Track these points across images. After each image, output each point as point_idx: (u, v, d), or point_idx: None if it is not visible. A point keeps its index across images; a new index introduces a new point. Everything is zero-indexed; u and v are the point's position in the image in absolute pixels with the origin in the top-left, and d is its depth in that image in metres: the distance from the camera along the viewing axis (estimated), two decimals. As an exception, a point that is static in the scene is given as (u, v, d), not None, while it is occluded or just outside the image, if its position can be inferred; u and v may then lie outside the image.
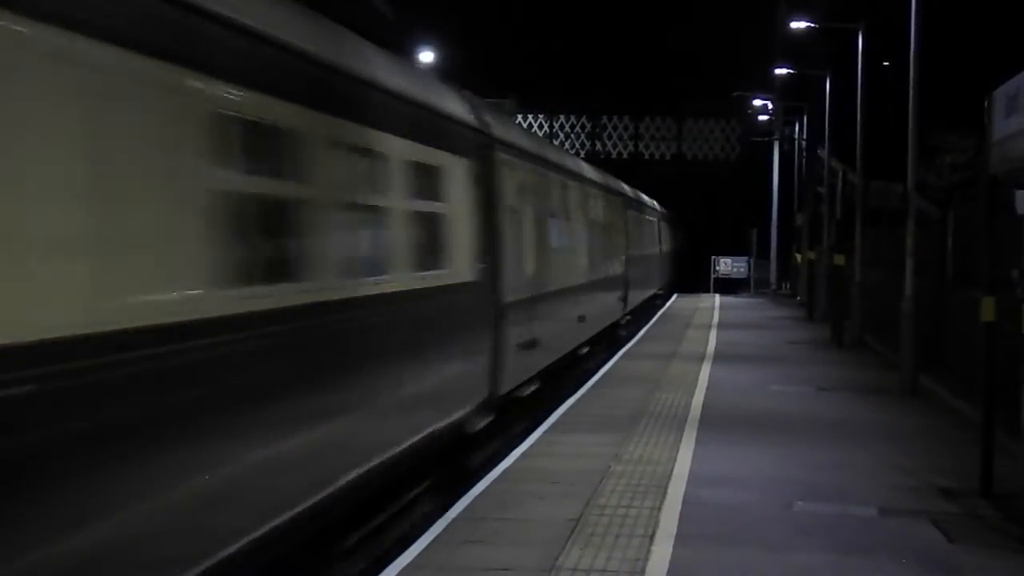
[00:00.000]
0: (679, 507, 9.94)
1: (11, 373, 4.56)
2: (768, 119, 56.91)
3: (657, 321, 33.68)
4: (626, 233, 29.08)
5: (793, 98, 47.28)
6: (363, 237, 8.82)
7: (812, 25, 36.40)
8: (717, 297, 48.95)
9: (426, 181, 10.20)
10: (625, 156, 70.45)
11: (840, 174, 37.43)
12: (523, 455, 12.30)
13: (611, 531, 9.14)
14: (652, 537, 8.97)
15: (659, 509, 9.86)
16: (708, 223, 63.70)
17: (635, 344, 25.86)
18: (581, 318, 20.34)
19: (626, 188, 32.06)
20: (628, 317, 29.63)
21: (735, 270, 58.60)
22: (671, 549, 8.64)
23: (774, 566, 8.40)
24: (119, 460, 5.28)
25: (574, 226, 20.26)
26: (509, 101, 59.91)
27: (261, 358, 6.79)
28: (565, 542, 8.79)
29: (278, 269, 7.10)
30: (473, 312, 11.48)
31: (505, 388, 13.10)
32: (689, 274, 56.84)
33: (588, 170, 24.16)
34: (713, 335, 28.12)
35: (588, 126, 71.24)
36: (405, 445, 9.36)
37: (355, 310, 8.26)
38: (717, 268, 58.78)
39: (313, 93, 7.65)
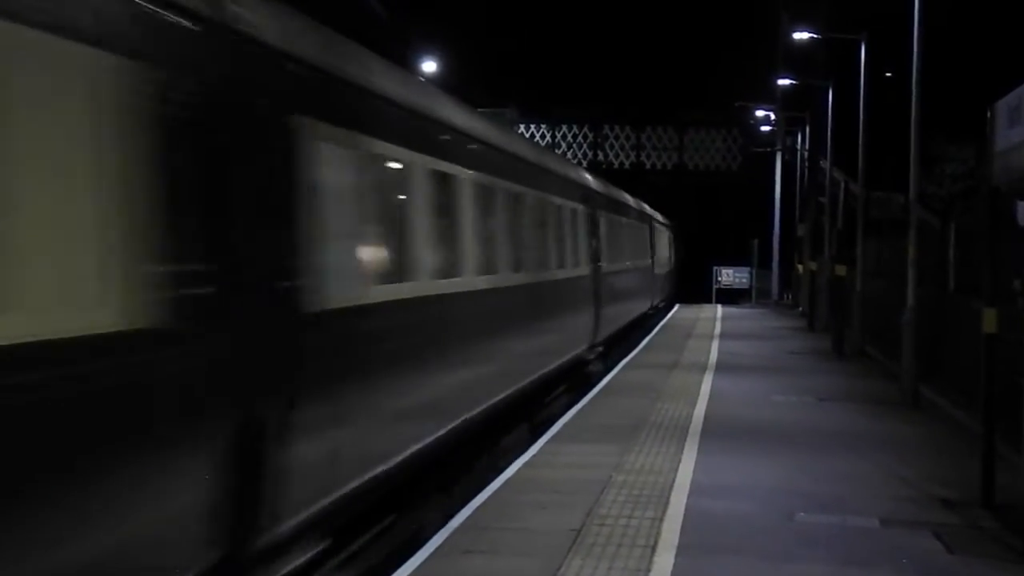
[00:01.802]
0: (681, 518, 9.95)
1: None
2: (770, 129, 56.92)
3: (659, 331, 33.70)
4: (652, 247, 36.97)
5: (795, 108, 47.26)
6: (566, 250, 17.98)
7: (814, 36, 36.46)
8: (719, 307, 48.90)
9: (572, 218, 18.94)
10: (627, 166, 70.33)
11: (842, 184, 37.48)
12: (525, 464, 12.31)
13: (612, 541, 9.15)
14: (654, 548, 8.98)
15: (661, 520, 9.87)
16: (710, 233, 63.57)
17: (637, 354, 25.86)
18: (632, 305, 29.58)
19: (655, 213, 41.29)
20: (652, 309, 38.24)
21: (737, 280, 58.61)
22: (673, 560, 8.66)
23: (775, 577, 8.40)
24: None
25: (630, 242, 29.25)
26: (510, 111, 60.05)
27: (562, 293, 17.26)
28: (566, 552, 8.80)
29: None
30: (587, 295, 20.23)
31: (598, 339, 21.84)
32: (691, 284, 56.67)
33: (632, 200, 33.18)
34: (715, 345, 28.13)
35: (590, 136, 71.19)
36: (573, 354, 18.88)
37: (563, 283, 17.56)
38: (719, 278, 58.77)
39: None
